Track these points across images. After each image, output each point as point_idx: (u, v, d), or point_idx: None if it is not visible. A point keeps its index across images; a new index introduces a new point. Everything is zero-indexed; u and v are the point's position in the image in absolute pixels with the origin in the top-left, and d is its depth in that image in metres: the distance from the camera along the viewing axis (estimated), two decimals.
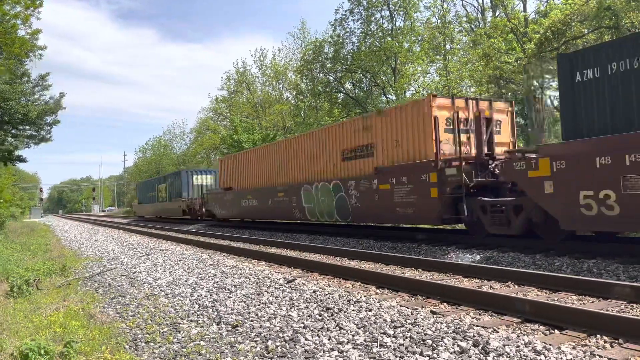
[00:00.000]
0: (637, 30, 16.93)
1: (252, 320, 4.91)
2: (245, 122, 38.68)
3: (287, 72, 43.14)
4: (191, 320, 5.14)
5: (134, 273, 8.58)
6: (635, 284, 5.37)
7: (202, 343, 4.33)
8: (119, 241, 16.06)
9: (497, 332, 4.15)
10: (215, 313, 5.35)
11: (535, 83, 20.42)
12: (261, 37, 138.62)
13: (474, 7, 30.78)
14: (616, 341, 3.83)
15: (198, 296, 6.29)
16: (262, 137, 34.53)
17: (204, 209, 25.87)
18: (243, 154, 21.70)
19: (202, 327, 4.87)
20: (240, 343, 4.26)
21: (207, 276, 7.75)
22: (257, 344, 4.18)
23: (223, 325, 4.87)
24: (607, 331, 3.98)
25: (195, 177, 29.80)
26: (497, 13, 28.70)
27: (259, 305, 5.54)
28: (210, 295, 6.29)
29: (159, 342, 4.44)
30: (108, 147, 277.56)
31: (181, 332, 4.71)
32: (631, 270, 6.77)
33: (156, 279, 7.79)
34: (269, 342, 4.19)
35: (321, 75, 33.94)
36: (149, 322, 5.17)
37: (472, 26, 30.51)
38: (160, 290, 6.90)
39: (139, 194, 42.36)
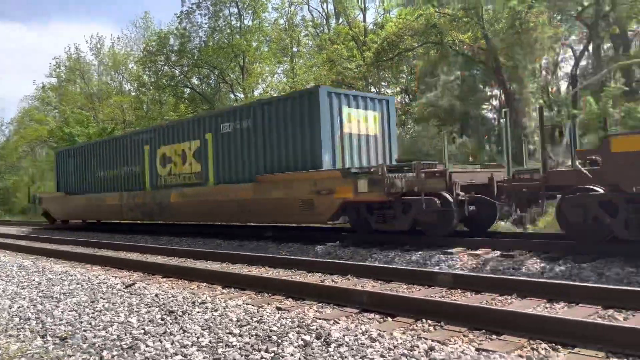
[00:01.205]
0: (458, 48, 19.20)
1: (84, 331, 4.50)
2: (79, 114, 35.35)
3: (128, 63, 40.48)
4: (10, 335, 4.53)
5: None
6: (454, 271, 6.09)
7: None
8: None
9: (338, 323, 4.37)
10: (40, 325, 4.78)
11: None
12: (98, 23, 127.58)
13: (320, 13, 32.16)
14: (439, 324, 4.29)
15: (19, 307, 5.57)
16: (99, 131, 31.89)
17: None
18: None
19: (24, 341, 4.32)
20: (69, 356, 3.87)
21: (30, 285, 6.90)
22: (91, 356, 3.84)
23: (49, 338, 4.37)
24: (432, 315, 4.43)
25: (349, 111, 10.90)
26: (340, 21, 30.35)
27: (93, 313, 5.09)
28: (34, 305, 5.61)
29: None
30: None
31: None
32: (449, 260, 7.65)
33: None
34: (105, 353, 3.87)
35: (166, 68, 32.45)
36: None
37: (318, 31, 31.83)
38: None
39: (64, 172, 20.33)
